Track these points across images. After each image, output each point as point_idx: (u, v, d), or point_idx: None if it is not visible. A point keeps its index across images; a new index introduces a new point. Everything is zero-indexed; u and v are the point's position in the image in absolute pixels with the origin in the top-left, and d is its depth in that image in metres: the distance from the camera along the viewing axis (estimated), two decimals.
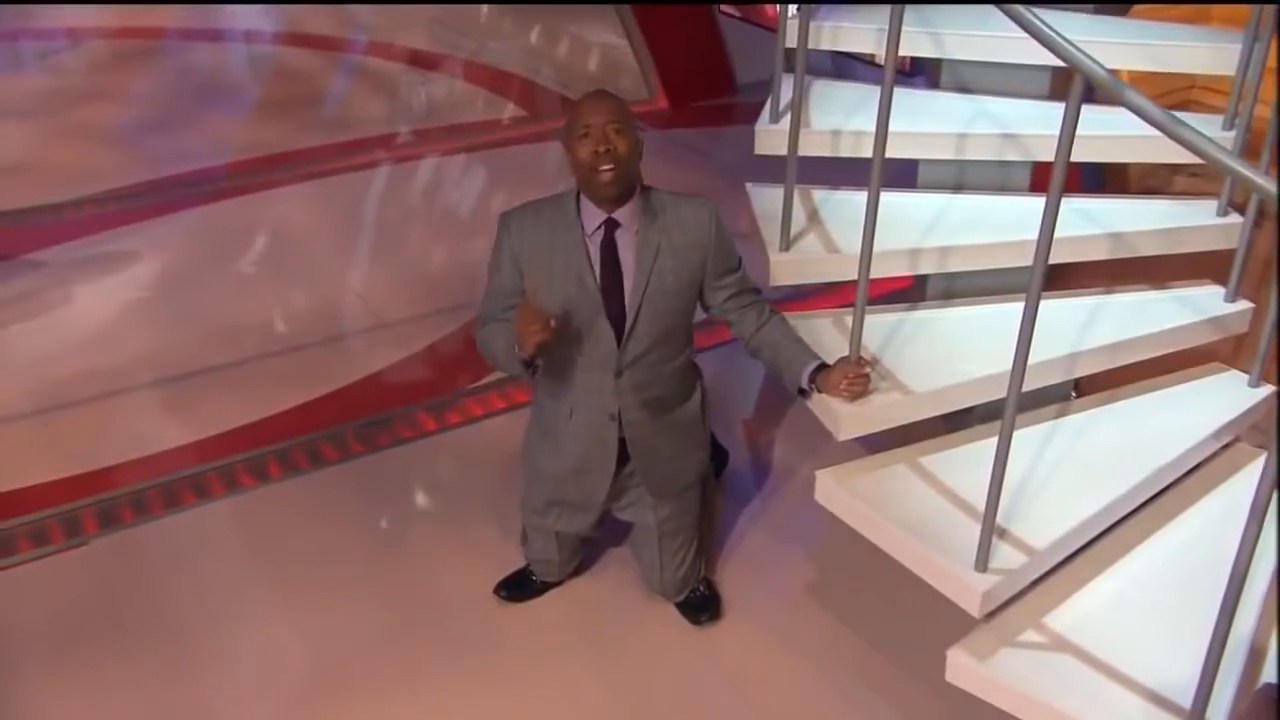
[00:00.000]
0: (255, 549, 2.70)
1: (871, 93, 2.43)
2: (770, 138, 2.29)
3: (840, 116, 2.34)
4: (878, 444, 2.14)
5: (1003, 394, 1.76)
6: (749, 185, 2.45)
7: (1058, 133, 1.54)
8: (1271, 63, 2.21)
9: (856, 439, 2.12)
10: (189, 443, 3.06)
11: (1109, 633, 1.86)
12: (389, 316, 3.73)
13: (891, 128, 1.84)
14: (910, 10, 1.79)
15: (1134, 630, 1.87)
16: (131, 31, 7.02)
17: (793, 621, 2.48)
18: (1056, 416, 2.24)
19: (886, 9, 1.83)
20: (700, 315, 2.27)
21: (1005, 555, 1.87)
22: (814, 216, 2.35)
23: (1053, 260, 1.64)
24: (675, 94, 5.58)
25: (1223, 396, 2.32)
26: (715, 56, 5.63)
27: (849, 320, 2.08)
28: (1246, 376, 2.36)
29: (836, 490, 2.05)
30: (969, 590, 1.82)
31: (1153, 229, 2.31)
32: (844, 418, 2.04)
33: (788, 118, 2.21)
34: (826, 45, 2.34)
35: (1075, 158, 1.58)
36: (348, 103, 5.91)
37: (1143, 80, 2.11)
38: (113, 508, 2.82)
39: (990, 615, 1.87)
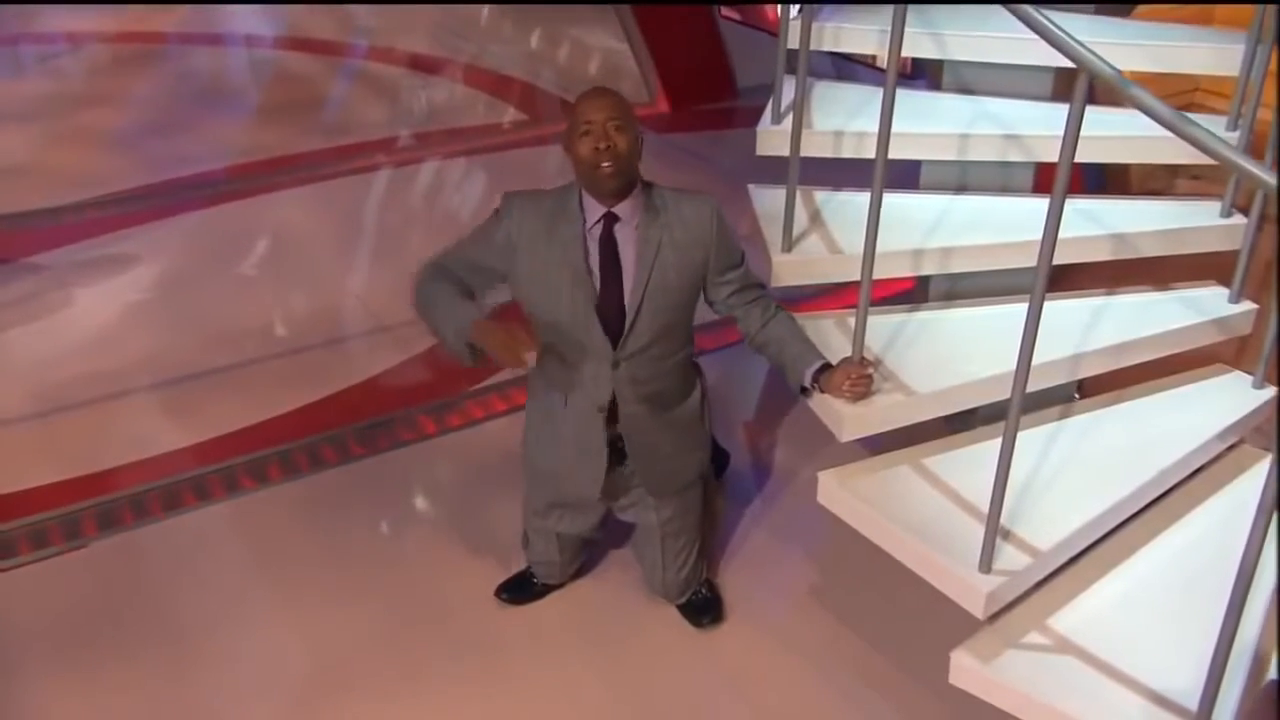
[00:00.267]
0: (255, 551, 2.69)
1: (873, 94, 2.42)
2: (772, 138, 2.29)
3: (842, 118, 2.34)
4: (880, 446, 2.14)
5: (1006, 395, 1.75)
6: (751, 186, 2.44)
7: (1060, 133, 1.54)
8: (1273, 66, 2.20)
9: (858, 440, 2.11)
10: (189, 445, 3.05)
11: (1113, 634, 1.85)
12: (389, 319, 3.72)
13: (894, 128, 1.84)
14: (912, 11, 1.79)
15: (1138, 632, 1.86)
16: (132, 36, 7.03)
17: (794, 623, 2.47)
18: (1060, 418, 2.23)
19: (888, 10, 1.83)
20: (699, 318, 2.27)
21: (1009, 556, 1.86)
22: (816, 218, 2.35)
23: (1056, 261, 1.63)
24: (676, 97, 5.58)
25: (1227, 398, 2.31)
26: (716, 60, 5.63)
27: (851, 321, 2.07)
28: (1250, 378, 2.35)
29: (839, 491, 2.04)
30: (973, 592, 1.82)
31: (1156, 230, 2.31)
32: (846, 419, 2.03)
33: (790, 118, 2.20)
34: (828, 46, 2.34)
35: (1078, 158, 1.57)
36: (348, 107, 5.91)
37: (1145, 83, 2.10)
38: (113, 510, 2.81)
39: (994, 617, 1.87)
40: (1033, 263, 1.64)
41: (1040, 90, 2.44)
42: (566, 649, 2.40)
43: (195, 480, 2.92)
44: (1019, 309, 1.71)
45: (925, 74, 2.95)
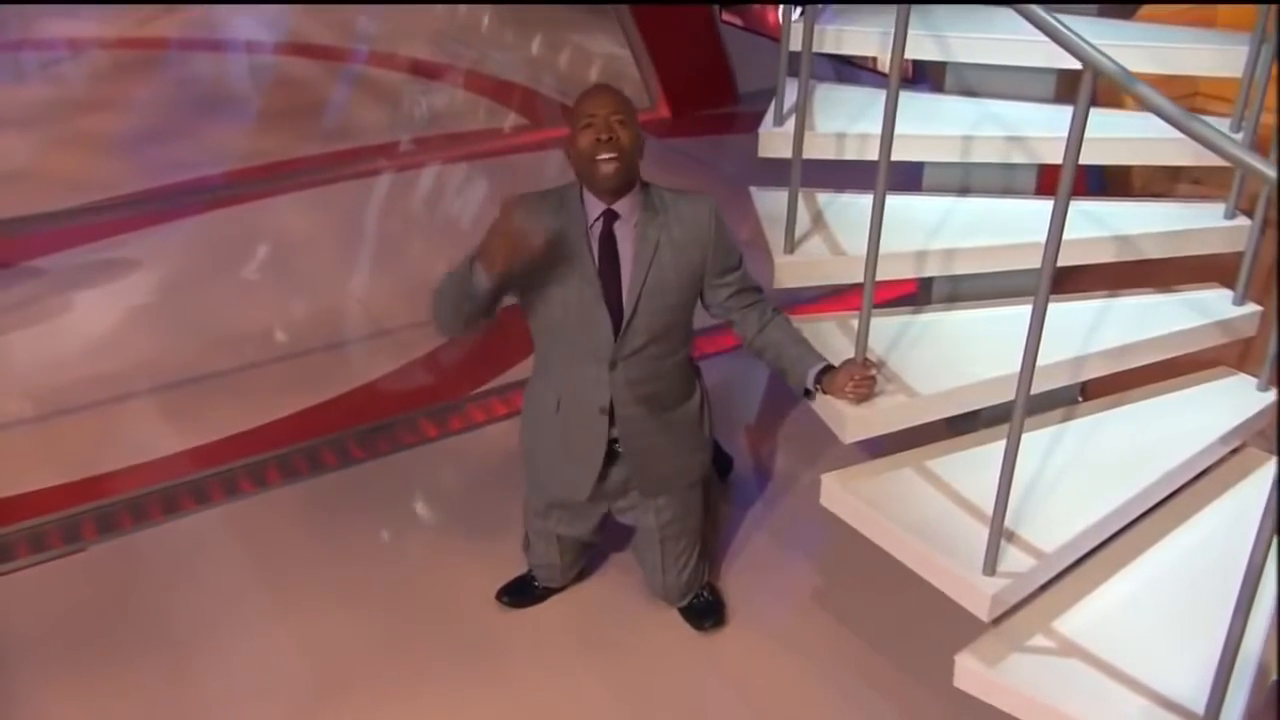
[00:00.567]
0: (255, 555, 2.68)
1: (875, 96, 2.43)
2: (774, 140, 2.28)
3: (844, 120, 2.33)
4: (882, 449, 2.13)
5: (1010, 396, 1.74)
6: (753, 188, 2.44)
7: (1063, 135, 1.53)
8: (1274, 70, 2.20)
9: (860, 445, 2.10)
10: (188, 449, 3.04)
11: (1118, 637, 1.84)
12: (390, 323, 3.72)
13: (897, 130, 1.83)
14: (914, 13, 1.79)
15: (1143, 635, 1.85)
16: (132, 42, 7.05)
17: (796, 626, 2.46)
18: (1064, 420, 2.22)
19: (890, 12, 1.83)
20: (699, 322, 2.26)
21: (1013, 559, 1.85)
22: (818, 219, 2.34)
23: (1060, 262, 1.63)
24: (677, 103, 5.59)
25: (1231, 401, 2.30)
26: (717, 65, 5.64)
27: (853, 323, 2.07)
28: (1255, 380, 2.34)
29: (842, 494, 2.03)
30: (977, 594, 1.80)
31: (1160, 231, 2.30)
32: (849, 420, 2.02)
33: (792, 121, 2.20)
34: (830, 49, 2.34)
35: (1080, 161, 1.56)
36: (349, 112, 5.91)
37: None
38: (112, 514, 2.80)
39: (998, 620, 1.85)
40: (1036, 264, 1.64)
41: (1043, 92, 2.44)
42: (568, 652, 2.39)
43: (194, 484, 2.91)
44: (1022, 311, 1.70)
45: (927, 78, 2.96)
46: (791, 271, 2.22)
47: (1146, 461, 2.08)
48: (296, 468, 2.98)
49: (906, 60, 1.82)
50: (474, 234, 4.41)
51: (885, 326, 2.23)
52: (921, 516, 1.94)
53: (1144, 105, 1.45)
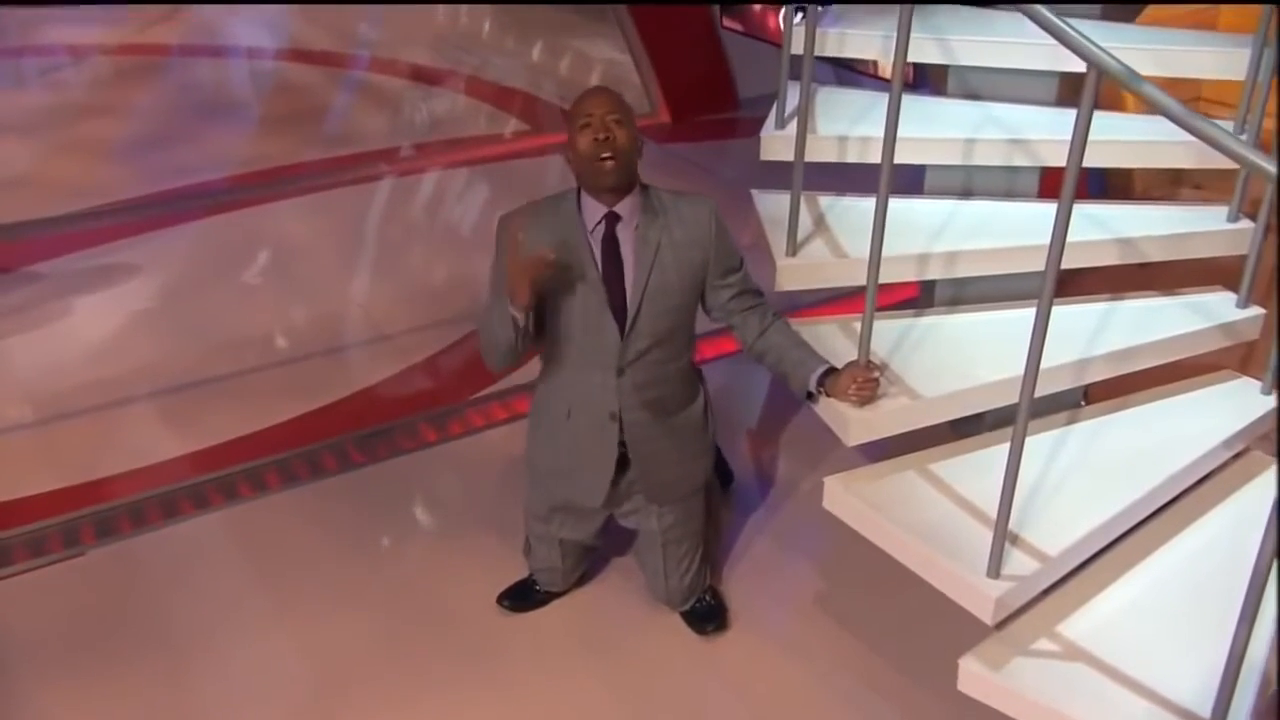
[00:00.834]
0: (254, 559, 2.67)
1: (877, 99, 2.43)
2: (776, 143, 2.28)
3: (846, 123, 2.33)
4: (883, 455, 2.12)
5: (1013, 399, 1.73)
6: (754, 191, 2.44)
7: (1065, 138, 1.53)
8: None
9: (861, 450, 2.09)
10: (188, 453, 3.03)
11: (1122, 641, 1.83)
12: (390, 328, 3.72)
13: (899, 133, 1.83)
14: (916, 16, 1.78)
15: (1148, 639, 1.84)
16: (134, 48, 7.07)
17: (798, 630, 2.45)
18: (1067, 423, 2.21)
19: (891, 16, 1.83)
20: (699, 327, 2.26)
21: (1017, 562, 1.84)
22: (820, 222, 2.34)
23: (1063, 265, 1.62)
24: (677, 108, 5.60)
25: (1234, 404, 2.29)
26: (718, 71, 5.65)
27: (855, 326, 2.06)
28: (1259, 384, 2.33)
29: (845, 496, 2.02)
30: (981, 597, 1.79)
31: (1163, 234, 2.30)
32: (853, 422, 2.02)
33: (794, 123, 2.20)
34: (832, 52, 2.34)
35: (1084, 162, 1.56)
36: (351, 118, 5.93)
37: None
38: (111, 518, 2.79)
39: (1001, 624, 1.84)
40: (1039, 267, 1.63)
41: (1045, 96, 2.44)
42: (569, 657, 2.38)
43: (193, 488, 2.90)
44: (1024, 314, 1.70)
45: (927, 84, 2.96)
46: (793, 274, 2.21)
47: (1150, 465, 2.07)
48: (296, 472, 2.97)
49: (908, 65, 1.81)
50: (474, 239, 4.46)
51: (887, 329, 2.23)
52: (924, 519, 1.93)
53: (1149, 104, 1.45)
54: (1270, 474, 2.19)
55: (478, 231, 4.46)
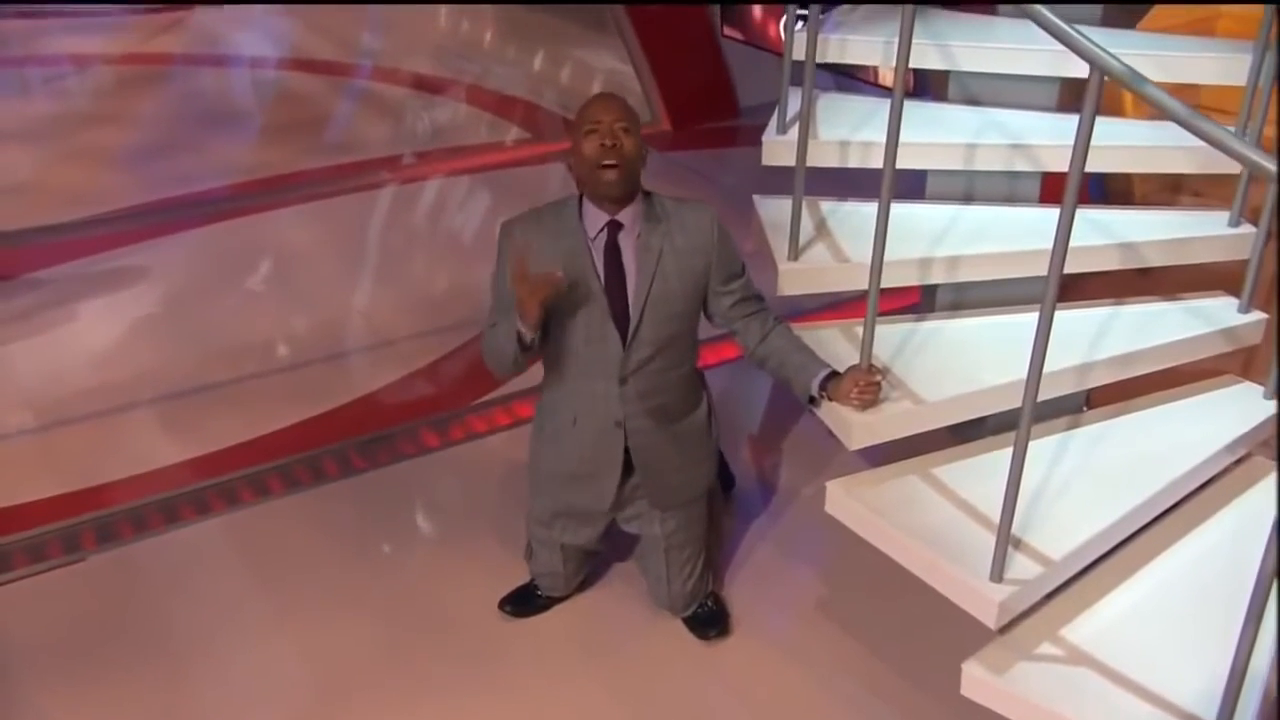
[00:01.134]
0: (255, 565, 2.66)
1: (878, 105, 2.44)
2: (778, 148, 2.29)
3: (847, 129, 2.34)
4: (884, 462, 2.11)
5: (1016, 403, 1.74)
6: (756, 197, 2.44)
7: (1066, 143, 1.53)
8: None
9: (862, 457, 2.09)
10: (189, 459, 3.03)
11: (1126, 646, 1.82)
12: (392, 335, 3.72)
13: (900, 138, 1.83)
14: (917, 22, 1.79)
15: (1151, 643, 1.84)
16: (137, 58, 7.09)
17: (800, 635, 2.45)
18: (1069, 428, 2.21)
19: (893, 21, 1.83)
20: (701, 333, 2.26)
21: (1020, 566, 1.83)
22: (821, 227, 2.35)
23: (1065, 270, 1.62)
24: (678, 117, 5.62)
25: (1236, 409, 2.29)
26: (718, 79, 5.67)
27: (857, 330, 2.06)
28: (1261, 389, 2.33)
29: (847, 500, 2.02)
30: (985, 601, 1.79)
31: (1164, 239, 2.30)
32: (855, 426, 2.01)
33: (795, 128, 2.20)
34: (833, 58, 2.35)
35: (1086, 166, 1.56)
36: (353, 126, 5.94)
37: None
38: (111, 524, 2.79)
39: (1004, 628, 1.84)
40: (1040, 272, 1.64)
41: (1046, 101, 2.45)
42: (570, 661, 2.37)
43: (194, 494, 2.89)
44: (1025, 319, 1.70)
45: (928, 92, 2.97)
46: (795, 279, 2.22)
47: (1152, 469, 2.07)
48: (298, 477, 2.97)
49: (908, 71, 1.82)
50: (476, 247, 4.46)
51: (889, 334, 2.23)
52: (927, 524, 1.93)
53: (1152, 105, 1.45)
54: (1272, 479, 2.19)
55: (479, 239, 4.47)
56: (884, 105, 1.88)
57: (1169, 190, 3.29)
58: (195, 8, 8.13)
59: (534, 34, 7.48)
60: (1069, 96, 2.44)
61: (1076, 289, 2.37)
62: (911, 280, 2.26)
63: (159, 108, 6.17)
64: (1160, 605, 1.92)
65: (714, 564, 2.55)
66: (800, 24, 2.18)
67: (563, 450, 2.25)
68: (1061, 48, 1.55)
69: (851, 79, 4.63)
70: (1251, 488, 2.21)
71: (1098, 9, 2.41)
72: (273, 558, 2.68)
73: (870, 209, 1.95)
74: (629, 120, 2.06)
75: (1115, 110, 2.58)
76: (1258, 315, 2.33)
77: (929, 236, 2.29)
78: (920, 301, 2.69)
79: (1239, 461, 2.25)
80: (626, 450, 2.21)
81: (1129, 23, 2.63)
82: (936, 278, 2.27)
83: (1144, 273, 2.39)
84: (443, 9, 8.09)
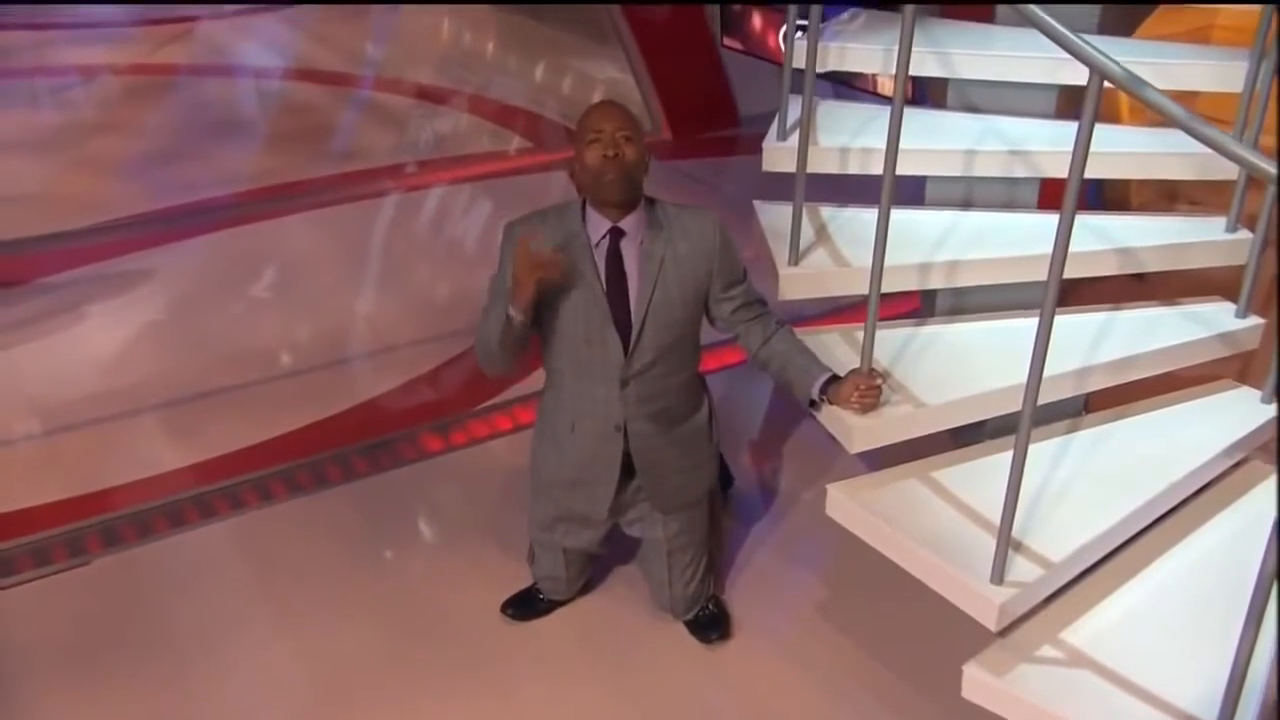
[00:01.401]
0: (258, 569, 2.67)
1: (877, 112, 2.46)
2: (778, 154, 2.30)
3: (847, 135, 2.36)
4: (882, 466, 2.12)
5: (1015, 407, 1.75)
6: (756, 202, 2.46)
7: (1064, 149, 1.55)
8: (1275, 92, 2.23)
9: (861, 461, 2.10)
10: (194, 463, 3.05)
11: (1126, 648, 1.83)
12: (395, 340, 3.74)
13: (900, 145, 1.85)
14: (916, 31, 1.80)
15: (1151, 645, 1.84)
16: (144, 68, 7.14)
17: (801, 638, 2.45)
18: (1068, 432, 2.22)
19: (892, 29, 1.85)
20: (703, 338, 2.27)
21: (1021, 568, 1.84)
22: (821, 233, 2.36)
23: (1064, 274, 1.63)
24: (679, 126, 5.65)
25: (1234, 414, 2.30)
26: (718, 89, 5.71)
27: (857, 335, 2.08)
28: (1258, 394, 2.35)
29: (848, 504, 2.03)
30: (986, 603, 1.80)
31: (1161, 245, 2.32)
32: (856, 430, 2.03)
33: (795, 135, 2.22)
34: (833, 66, 2.37)
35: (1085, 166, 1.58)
36: (357, 135, 5.98)
37: (1145, 109, 2.13)
38: (115, 527, 2.80)
39: (1004, 631, 1.85)
40: (1039, 277, 1.65)
41: (1044, 108, 2.47)
42: (572, 665, 2.38)
43: (198, 498, 2.91)
44: (1024, 324, 1.71)
45: (927, 101, 2.99)
46: (796, 283, 2.23)
47: (1151, 473, 2.08)
48: (300, 482, 2.98)
49: (907, 79, 1.83)
50: (478, 253, 4.49)
51: (889, 339, 2.24)
52: (928, 526, 1.94)
53: (1152, 107, 1.47)
54: (1270, 483, 2.20)
55: (481, 246, 4.49)
56: (883, 112, 1.90)
57: (1165, 199, 3.31)
58: (201, 19, 8.21)
59: (535, 44, 7.53)
60: (1066, 104, 2.46)
61: (1074, 295, 2.39)
62: (911, 285, 2.28)
63: (165, 117, 6.21)
64: (1160, 608, 1.93)
65: (715, 567, 2.56)
66: (800, 33, 2.20)
67: (563, 454, 2.26)
68: (1059, 55, 1.56)
69: (850, 88, 4.66)
70: (1250, 491, 2.22)
71: (1094, 18, 2.43)
72: (276, 561, 2.69)
73: (870, 215, 1.97)
74: (631, 129, 2.07)
75: (1111, 117, 2.60)
76: (1255, 320, 2.34)
77: (928, 242, 2.30)
78: (920, 308, 2.70)
79: (1237, 465, 2.27)
80: (627, 454, 2.22)
81: (1126, 31, 2.65)
82: (936, 282, 2.28)
83: (1139, 279, 2.41)
84: (445, 21, 8.16)
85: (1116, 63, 1.49)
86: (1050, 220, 1.61)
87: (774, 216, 2.38)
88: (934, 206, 2.51)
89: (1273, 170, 1.36)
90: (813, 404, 2.12)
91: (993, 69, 2.37)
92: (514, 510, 2.62)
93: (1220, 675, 1.59)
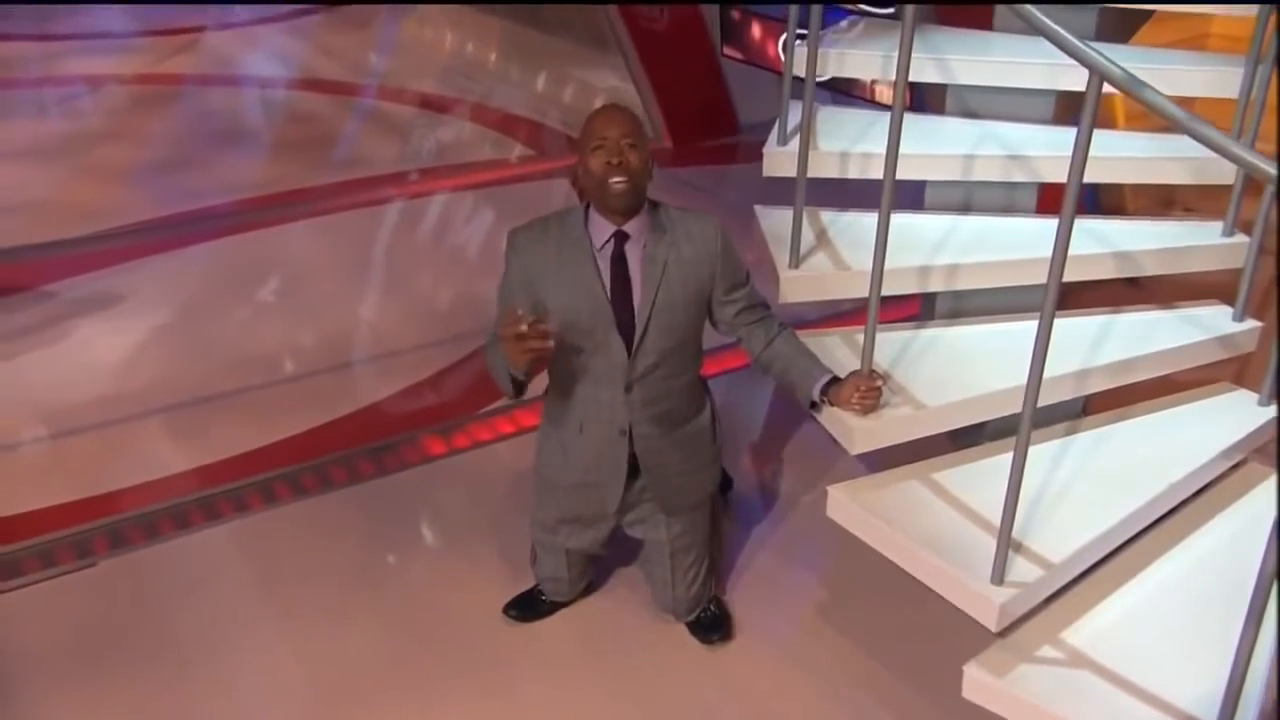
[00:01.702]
0: (262, 571, 2.69)
1: (877, 118, 2.48)
2: (779, 159, 2.32)
3: (847, 140, 2.38)
4: (885, 466, 2.14)
5: (1015, 409, 1.76)
6: (757, 207, 2.48)
7: (1062, 154, 1.56)
8: (1271, 99, 2.25)
9: (862, 464, 2.11)
10: (199, 467, 3.06)
11: (1126, 648, 1.84)
12: (398, 345, 3.76)
13: (899, 150, 1.86)
14: (915, 37, 1.82)
15: (1151, 646, 1.85)
16: (149, 78, 7.19)
17: (802, 640, 2.46)
18: (1067, 434, 2.24)
19: (891, 36, 1.87)
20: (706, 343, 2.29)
21: (1021, 569, 1.85)
22: (822, 236, 2.38)
23: (1063, 278, 1.65)
24: (679, 134, 5.68)
25: (1232, 416, 2.32)
26: (718, 97, 5.74)
27: (858, 337, 2.09)
28: (1256, 396, 2.36)
29: (849, 505, 2.04)
30: (986, 604, 1.81)
31: (1159, 249, 2.33)
32: (857, 432, 2.04)
33: (796, 140, 2.24)
34: (833, 72, 2.39)
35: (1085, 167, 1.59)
36: (360, 144, 6.02)
37: (1140, 113, 2.15)
38: (121, 530, 2.81)
39: (1005, 631, 1.86)
40: (1037, 280, 1.66)
41: (1042, 114, 2.49)
42: (574, 666, 2.39)
43: (203, 501, 2.92)
44: (1023, 327, 1.72)
45: (925, 108, 3.01)
46: (796, 286, 2.25)
47: (1150, 475, 2.09)
48: (305, 485, 3.00)
49: (906, 85, 1.85)
50: (480, 260, 4.51)
51: (890, 341, 2.26)
52: (928, 527, 1.95)
53: (1151, 109, 1.48)
54: (1269, 484, 2.21)
55: (484, 252, 4.52)
56: (883, 117, 1.91)
57: (1161, 205, 3.33)
58: (207, 30, 8.26)
59: (537, 54, 7.58)
60: (1064, 110, 2.48)
61: (1072, 299, 2.41)
62: (911, 288, 2.30)
63: (171, 126, 6.25)
64: (1159, 608, 1.94)
65: (717, 569, 2.57)
66: (800, 40, 2.22)
67: (568, 457, 2.28)
68: (1057, 61, 1.58)
69: (849, 96, 4.69)
70: (1248, 493, 2.23)
71: (1092, 25, 2.46)
72: (279, 564, 2.71)
73: (870, 219, 1.98)
74: (636, 135, 2.09)
75: (1108, 123, 2.62)
76: (1252, 323, 2.36)
77: (928, 245, 2.32)
78: (920, 311, 2.72)
79: (1235, 467, 2.28)
80: (632, 456, 2.23)
81: (1123, 38, 2.67)
82: (936, 285, 2.30)
83: (1132, 283, 2.42)
84: (448, 31, 8.21)
85: (1116, 64, 1.50)
86: (1049, 224, 1.62)
87: (775, 221, 2.40)
88: (934, 211, 2.53)
89: (1272, 171, 1.38)
90: (814, 405, 2.13)
91: (991, 75, 2.40)
92: (516, 513, 2.64)
93: (1220, 675, 1.59)
